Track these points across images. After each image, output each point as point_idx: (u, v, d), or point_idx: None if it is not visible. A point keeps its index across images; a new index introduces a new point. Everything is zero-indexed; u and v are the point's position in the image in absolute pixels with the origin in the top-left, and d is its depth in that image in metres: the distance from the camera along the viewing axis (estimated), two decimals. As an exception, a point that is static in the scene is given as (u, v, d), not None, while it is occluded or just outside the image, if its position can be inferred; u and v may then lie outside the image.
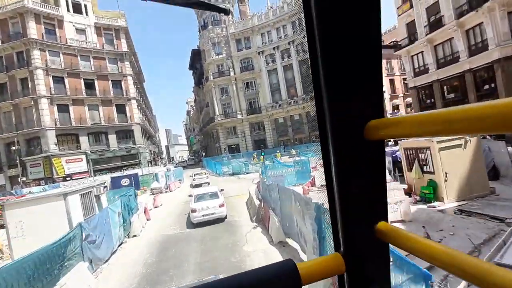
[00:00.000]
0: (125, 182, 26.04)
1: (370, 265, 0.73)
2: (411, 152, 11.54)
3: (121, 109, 40.86)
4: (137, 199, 14.91)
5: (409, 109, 39.91)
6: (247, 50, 45.54)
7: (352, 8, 0.59)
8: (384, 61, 37.81)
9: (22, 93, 34.13)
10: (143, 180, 28.31)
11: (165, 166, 41.03)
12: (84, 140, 36.84)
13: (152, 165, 47.76)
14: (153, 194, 24.57)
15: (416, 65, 29.05)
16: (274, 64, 43.89)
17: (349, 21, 0.61)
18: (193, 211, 11.85)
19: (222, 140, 46.58)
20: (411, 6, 27.78)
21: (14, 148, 32.54)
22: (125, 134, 40.99)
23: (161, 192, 24.47)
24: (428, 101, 28.20)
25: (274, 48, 43.55)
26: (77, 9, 38.73)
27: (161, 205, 18.13)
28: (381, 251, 0.73)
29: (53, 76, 35.19)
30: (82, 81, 37.63)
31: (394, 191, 10.53)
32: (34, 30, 34.24)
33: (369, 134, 0.64)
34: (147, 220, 13.90)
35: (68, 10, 37.80)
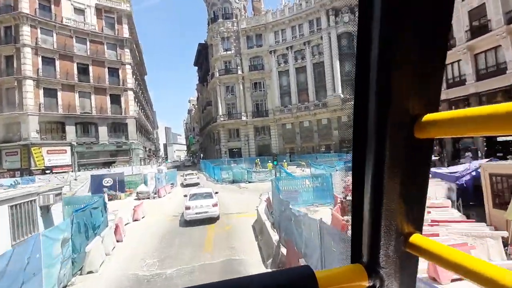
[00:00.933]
0: (107, 182, 22.34)
1: (397, 279, 0.67)
2: (503, 180, 7.97)
3: (115, 99, 37.32)
4: (108, 211, 11.15)
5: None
6: (258, 48, 42.29)
7: None
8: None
9: (6, 72, 30.54)
10: (129, 181, 24.61)
11: (159, 165, 37.25)
12: (71, 130, 33.17)
13: (145, 164, 44.05)
14: (138, 198, 20.89)
15: (450, 76, 25.66)
16: (286, 65, 40.60)
17: None
18: (187, 208, 12.36)
19: (223, 143, 42.96)
20: (451, 9, 24.53)
21: (-10, 132, 28.95)
22: (117, 127, 37.36)
23: (148, 198, 20.77)
24: (462, 117, 24.73)
25: (287, 48, 40.30)
26: (77, -13, 35.46)
27: (143, 217, 14.40)
28: (410, 264, 0.68)
29: (42, 57, 31.70)
30: (75, 65, 34.17)
31: (488, 242, 6.90)
32: (26, 4, 30.86)
33: (420, 131, 0.57)
34: (118, 242, 10.19)
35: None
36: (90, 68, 35.38)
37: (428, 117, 0.54)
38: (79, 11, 35.43)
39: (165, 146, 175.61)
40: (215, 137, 47.31)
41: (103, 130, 35.74)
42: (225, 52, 43.06)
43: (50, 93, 32.14)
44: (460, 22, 23.78)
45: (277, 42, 41.32)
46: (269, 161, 32.46)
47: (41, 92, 31.31)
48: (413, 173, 0.60)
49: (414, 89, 0.55)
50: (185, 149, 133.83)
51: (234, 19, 43.07)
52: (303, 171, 30.79)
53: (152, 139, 74.42)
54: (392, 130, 0.56)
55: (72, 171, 32.47)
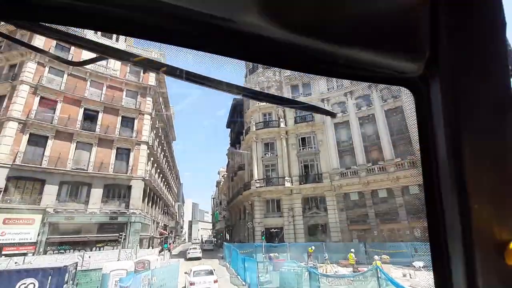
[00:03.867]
0: (26, 286, 10.74)
1: None
2: None
3: (123, 154, 28.87)
4: None
5: None
6: (306, 97, 33.93)
7: None
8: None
9: (-7, 113, 24.26)
10: (84, 280, 12.77)
11: (162, 251, 24.96)
12: (51, 190, 23.92)
13: (150, 245, 31.96)
14: None
15: None
16: (344, 115, 30.77)
17: None
18: (192, 284, 13.76)
19: (258, 219, 30.44)
20: None
21: None
22: (117, 190, 27.64)
23: None
24: None
25: (345, 94, 31.32)
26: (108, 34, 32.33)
27: None
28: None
29: (41, 97, 25.58)
30: (81, 110, 27.58)
31: None
32: (41, 41, 26.71)
33: None
34: None
35: (96, 32, 31.32)
36: (100, 115, 28.58)
37: None
38: (103, 56, 31.15)
39: (190, 223, 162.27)
40: (246, 211, 35.12)
41: (97, 193, 26.08)
42: (264, 103, 35.14)
43: (38, 141, 24.55)
44: None
45: (330, 89, 32.85)
46: (352, 250, 19.09)
47: (25, 138, 23.79)
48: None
49: (500, 213, 0.54)
50: (211, 227, 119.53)
51: (275, 68, 36.69)
52: (406, 277, 16.64)
53: (171, 213, 63.43)
54: (479, 256, 0.53)
55: (33, 253, 21.58)
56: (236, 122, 45.08)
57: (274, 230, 29.77)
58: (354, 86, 30.92)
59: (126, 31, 0.73)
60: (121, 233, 22.94)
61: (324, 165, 30.21)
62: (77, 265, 13.19)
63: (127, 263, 12.12)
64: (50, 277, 11.09)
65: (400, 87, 0.79)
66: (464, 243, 0.54)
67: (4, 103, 24.36)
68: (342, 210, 28.05)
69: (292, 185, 30.59)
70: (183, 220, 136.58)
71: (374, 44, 0.68)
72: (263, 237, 25.80)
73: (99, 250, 24.81)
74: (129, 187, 27.98)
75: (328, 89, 32.95)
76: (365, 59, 0.73)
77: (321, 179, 29.74)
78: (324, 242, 26.30)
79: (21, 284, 10.65)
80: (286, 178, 30.93)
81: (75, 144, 26.33)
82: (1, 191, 21.59)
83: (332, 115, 1.04)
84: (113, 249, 24.65)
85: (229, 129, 52.77)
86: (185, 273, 15.60)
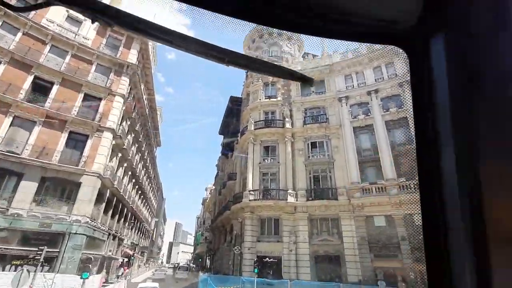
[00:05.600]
0: None
1: None
2: None
3: (77, 141, 21.83)
4: None
5: None
6: (318, 95, 28.11)
7: None
8: None
9: None
10: None
11: (84, 278, 17.11)
12: (-44, 176, 16.48)
13: (103, 269, 23.74)
14: None
15: None
16: (367, 118, 24.76)
17: None
18: None
19: (248, 242, 22.95)
20: None
21: None
22: (60, 188, 20.22)
23: None
24: None
25: (369, 93, 25.54)
26: (85, -2, 26.67)
27: None
28: None
29: (-27, 51, 19.04)
30: (30, 77, 20.96)
31: None
32: (-10, -15, 20.84)
33: None
34: None
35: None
36: (55, 87, 21.95)
37: None
38: (74, 21, 25.20)
39: (170, 245, 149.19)
40: (233, 232, 27.50)
41: (28, 188, 18.61)
42: (267, 100, 29.12)
43: (-48, 105, 17.60)
44: None
45: (349, 87, 27.13)
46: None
47: None
48: None
49: None
50: (193, 250, 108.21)
51: (284, 62, 31.26)
52: None
53: (145, 231, 54.41)
54: None
55: None
56: (231, 126, 38.66)
57: (270, 260, 22.15)
58: (380, 83, 25.25)
59: None
60: (41, 247, 15.12)
61: (340, 177, 23.51)
62: None
63: None
64: None
65: (394, 48, 0.59)
66: None
67: None
68: (363, 239, 20.89)
69: (296, 200, 23.58)
70: (162, 241, 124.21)
71: None
72: (255, 270, 18.25)
73: (16, 269, 16.91)
74: (78, 185, 20.56)
75: (346, 86, 27.21)
76: (357, 10, 0.63)
77: (336, 196, 22.87)
78: (339, 283, 18.93)
79: None
80: (290, 191, 23.97)
81: (11, 118, 19.36)
82: None
83: (309, 81, 0.93)
84: (35, 270, 16.76)
85: (222, 136, 46.18)
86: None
